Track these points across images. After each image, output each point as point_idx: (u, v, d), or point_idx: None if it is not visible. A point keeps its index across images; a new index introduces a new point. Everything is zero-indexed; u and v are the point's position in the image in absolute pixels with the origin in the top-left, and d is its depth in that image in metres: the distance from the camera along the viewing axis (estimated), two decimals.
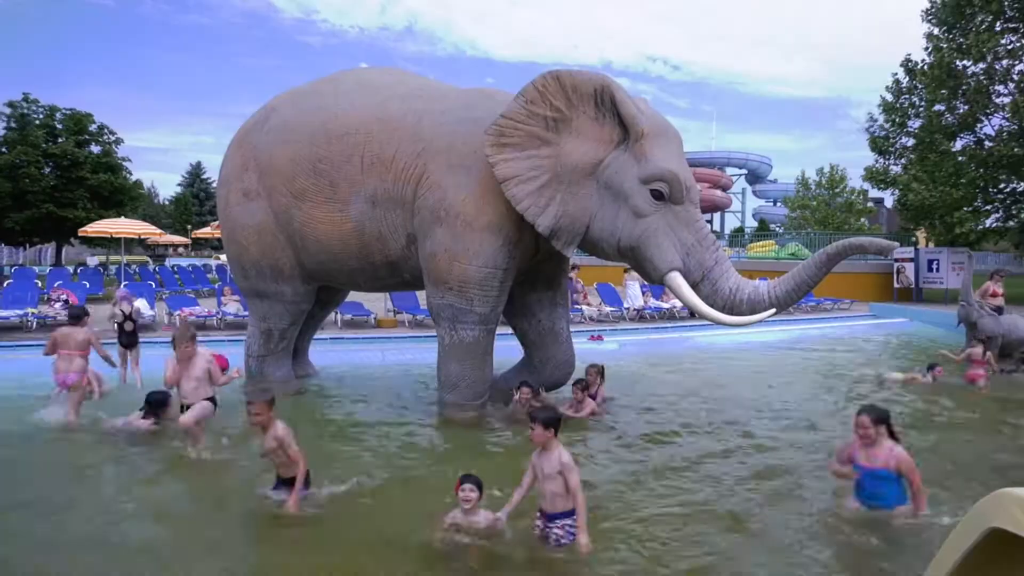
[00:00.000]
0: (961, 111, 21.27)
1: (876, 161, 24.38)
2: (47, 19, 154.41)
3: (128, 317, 8.78)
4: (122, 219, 26.05)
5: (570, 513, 4.04)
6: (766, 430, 7.01)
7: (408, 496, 5.11)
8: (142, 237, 28.92)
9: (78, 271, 23.95)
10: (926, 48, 21.84)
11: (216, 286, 19.56)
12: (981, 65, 20.16)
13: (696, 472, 5.69)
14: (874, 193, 34.92)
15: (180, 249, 53.61)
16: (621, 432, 6.88)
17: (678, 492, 5.21)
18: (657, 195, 6.33)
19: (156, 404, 6.52)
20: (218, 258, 44.16)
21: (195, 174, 67.11)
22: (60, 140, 33.80)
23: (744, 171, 71.09)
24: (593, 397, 7.60)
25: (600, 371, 7.83)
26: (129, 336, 8.81)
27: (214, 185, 44.83)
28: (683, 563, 4.08)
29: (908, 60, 22.67)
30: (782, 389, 9.20)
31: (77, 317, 7.32)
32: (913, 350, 13.39)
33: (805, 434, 6.89)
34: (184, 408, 6.00)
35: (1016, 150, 19.40)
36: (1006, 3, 19.47)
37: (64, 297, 14.20)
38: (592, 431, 6.92)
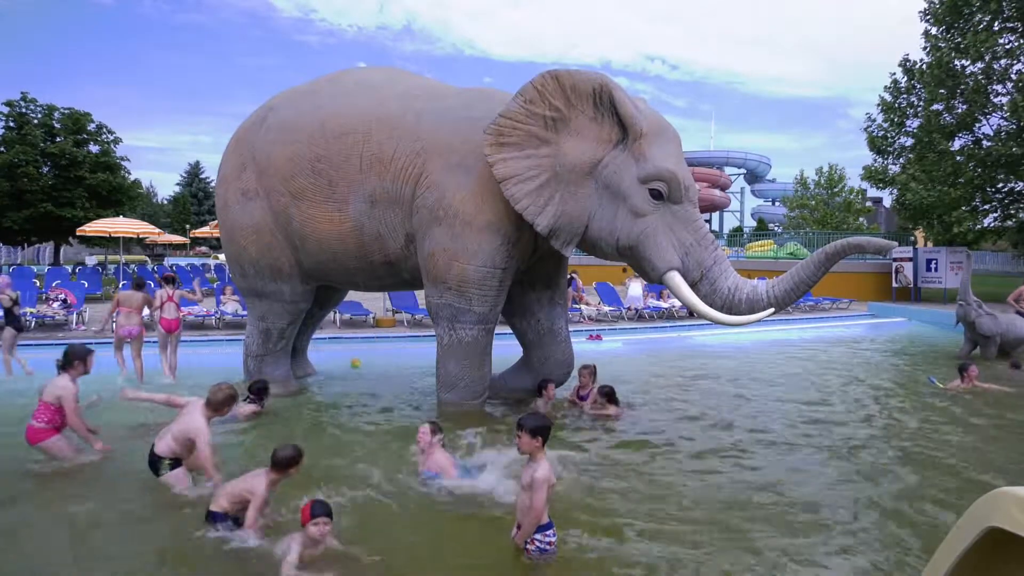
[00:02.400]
0: (959, 111, 21.28)
1: (875, 161, 24.41)
2: (45, 18, 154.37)
3: (15, 302, 9.40)
4: (120, 218, 26.02)
5: (544, 528, 3.91)
6: (768, 429, 7.03)
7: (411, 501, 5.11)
8: (140, 236, 28.91)
9: (76, 270, 23.92)
10: (924, 48, 21.86)
11: (215, 286, 19.54)
12: (979, 65, 20.17)
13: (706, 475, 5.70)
14: (872, 192, 34.99)
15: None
16: (637, 431, 6.91)
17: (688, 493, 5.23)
18: (656, 194, 6.34)
19: (259, 391, 7.19)
20: (216, 257, 44.16)
21: (193, 173, 67.13)
22: (58, 139, 33.82)
23: (743, 170, 71.06)
24: (584, 398, 7.66)
25: (592, 372, 7.86)
26: (16, 321, 9.46)
27: (212, 184, 44.76)
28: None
29: (907, 60, 22.69)
30: (789, 388, 9.22)
31: (140, 285, 9.36)
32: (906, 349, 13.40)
33: (811, 428, 6.92)
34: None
35: (1014, 149, 19.41)
36: (1004, 3, 19.48)
37: (62, 296, 14.18)
38: (599, 431, 6.93)
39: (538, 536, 3.90)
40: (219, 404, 5.01)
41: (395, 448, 6.15)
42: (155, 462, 4.97)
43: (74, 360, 5.53)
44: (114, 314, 9.15)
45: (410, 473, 5.38)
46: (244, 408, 7.03)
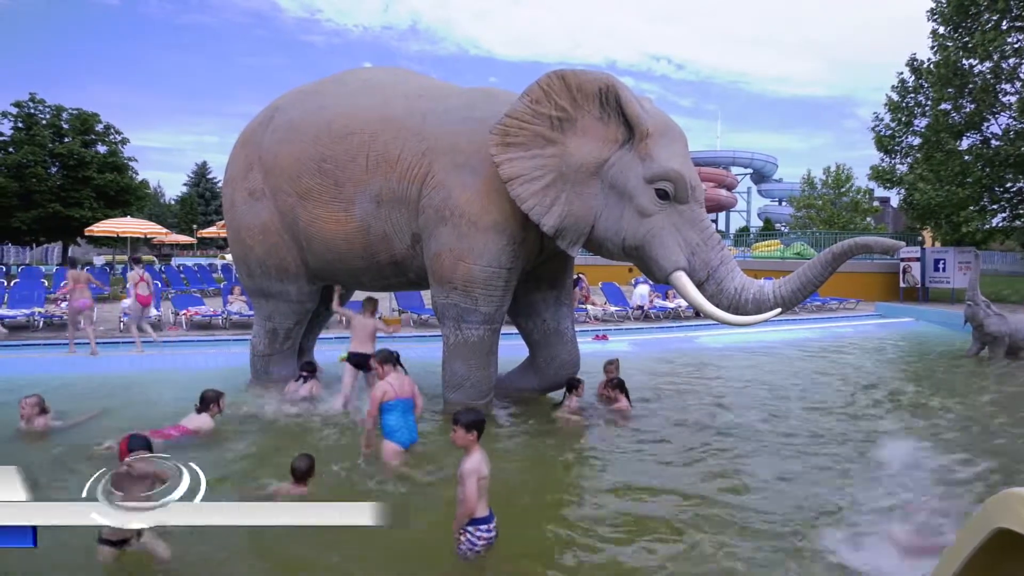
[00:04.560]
0: (967, 110, 21.17)
1: (882, 160, 24.28)
2: (51, 18, 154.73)
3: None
4: (128, 219, 26.21)
5: (479, 521, 3.85)
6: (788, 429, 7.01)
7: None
8: (148, 236, 29.02)
9: (84, 270, 24.01)
10: (932, 47, 21.73)
11: (222, 285, 19.61)
12: (987, 64, 20.06)
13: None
14: (880, 192, 34.84)
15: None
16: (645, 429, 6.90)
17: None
18: (662, 194, 6.32)
19: (311, 369, 8.00)
20: (223, 257, 44.29)
21: (200, 174, 67.35)
22: (66, 140, 33.99)
23: (749, 170, 70.97)
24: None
25: (617, 365, 7.87)
26: None
27: (219, 185, 44.82)
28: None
29: (914, 59, 22.57)
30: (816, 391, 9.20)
31: (75, 263, 11.68)
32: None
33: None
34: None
35: (1023, 149, 19.30)
36: (1012, 2, 19.36)
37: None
38: (605, 430, 6.93)
39: (470, 528, 3.86)
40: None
41: None
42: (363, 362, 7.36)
43: (210, 404, 6.47)
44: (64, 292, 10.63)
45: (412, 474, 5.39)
46: (300, 390, 7.72)
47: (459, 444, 3.96)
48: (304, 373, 7.89)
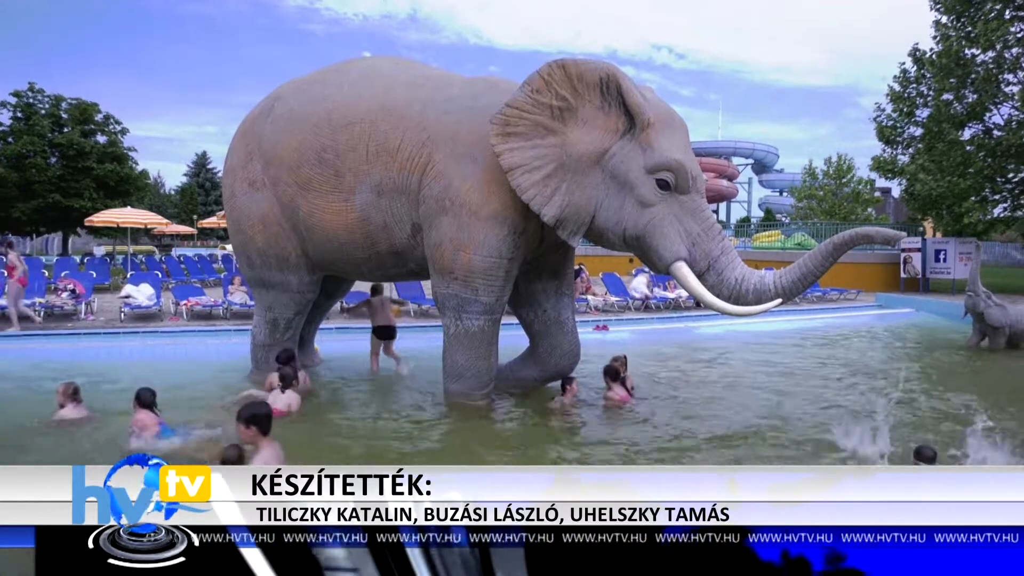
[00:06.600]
0: (969, 100, 21.10)
1: (884, 151, 24.24)
2: (51, 8, 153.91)
3: None
4: (128, 209, 26.14)
5: None
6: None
7: None
8: (148, 227, 28.97)
9: (85, 261, 24.04)
10: (934, 37, 21.65)
11: (222, 276, 19.63)
12: (990, 54, 19.99)
13: None
14: (881, 183, 34.76)
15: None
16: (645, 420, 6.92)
17: None
18: (663, 185, 6.31)
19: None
20: (224, 247, 44.28)
21: (200, 164, 67.28)
22: (66, 130, 33.89)
23: (750, 161, 70.79)
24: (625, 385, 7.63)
25: (624, 361, 7.84)
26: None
27: (219, 175, 44.90)
28: None
29: (916, 49, 22.48)
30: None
31: (8, 245, 13.08)
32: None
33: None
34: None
35: None
36: None
37: (71, 287, 14.25)
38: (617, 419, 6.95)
39: None
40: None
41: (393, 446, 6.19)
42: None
43: (291, 381, 6.89)
44: None
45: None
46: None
47: (245, 440, 3.98)
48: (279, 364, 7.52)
